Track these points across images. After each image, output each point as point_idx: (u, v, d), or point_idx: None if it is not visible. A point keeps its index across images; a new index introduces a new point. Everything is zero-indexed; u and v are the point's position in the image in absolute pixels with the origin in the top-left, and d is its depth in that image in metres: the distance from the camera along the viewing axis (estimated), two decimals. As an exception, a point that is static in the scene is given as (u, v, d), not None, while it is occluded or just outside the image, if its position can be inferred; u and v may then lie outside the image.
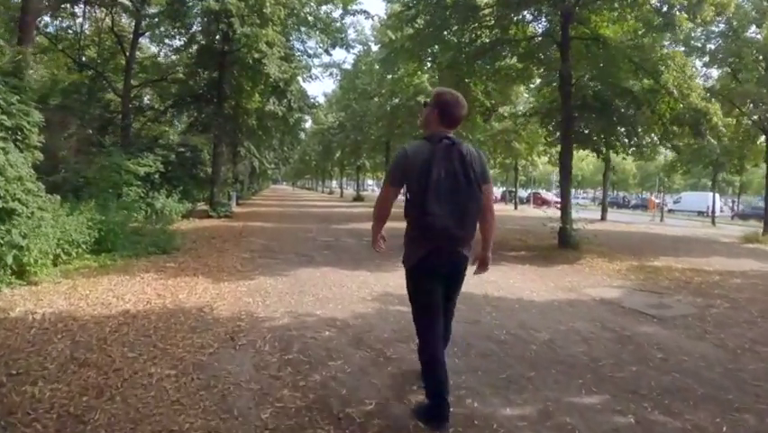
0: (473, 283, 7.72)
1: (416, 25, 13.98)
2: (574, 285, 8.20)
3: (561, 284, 8.25)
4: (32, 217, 7.41)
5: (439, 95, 3.36)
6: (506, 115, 23.27)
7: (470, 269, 3.66)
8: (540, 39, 13.81)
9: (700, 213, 41.91)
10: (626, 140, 13.63)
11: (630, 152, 14.87)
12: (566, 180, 12.84)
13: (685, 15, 11.35)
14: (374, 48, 30.84)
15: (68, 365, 4.00)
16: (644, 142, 14.41)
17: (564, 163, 12.82)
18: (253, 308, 5.87)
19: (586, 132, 13.22)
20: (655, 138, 15.36)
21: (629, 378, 4.24)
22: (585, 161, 61.61)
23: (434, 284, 3.31)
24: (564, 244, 12.37)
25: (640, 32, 13.30)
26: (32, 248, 6.85)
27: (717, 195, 39.94)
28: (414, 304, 3.43)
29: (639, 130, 13.27)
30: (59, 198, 8.68)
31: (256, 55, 15.84)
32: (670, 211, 37.65)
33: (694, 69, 16.15)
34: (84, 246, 8.48)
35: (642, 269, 10.16)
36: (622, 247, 13.71)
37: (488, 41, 13.67)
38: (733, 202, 50.66)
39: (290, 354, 4.38)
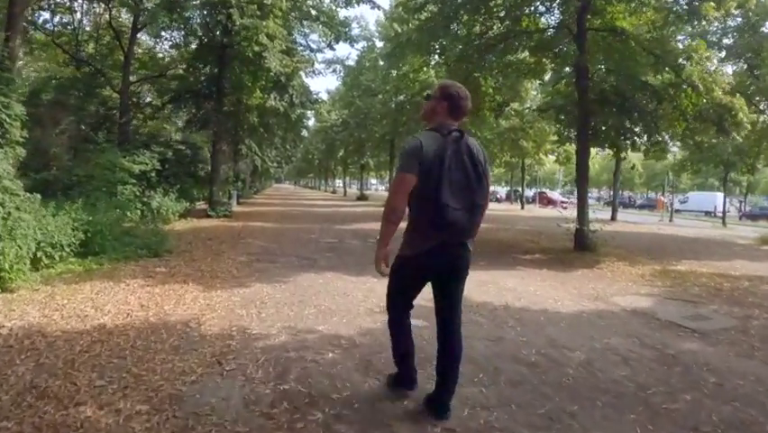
0: (492, 293, 7.17)
1: (425, 15, 13.31)
2: (599, 293, 7.55)
3: (585, 292, 7.58)
4: (9, 218, 6.80)
5: (447, 87, 3.33)
6: (513, 112, 22.60)
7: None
8: (554, 30, 13.11)
9: (708, 213, 41.35)
10: (647, 136, 12.88)
11: (652, 149, 14.13)
12: (583, 179, 12.15)
13: (712, 4, 10.65)
14: (378, 44, 30.34)
15: (26, 396, 3.36)
16: (662, 139, 13.66)
17: (581, 161, 12.15)
18: (247, 322, 5.17)
19: (604, 128, 12.46)
20: (668, 135, 14.78)
21: (686, 410, 3.61)
22: (592, 159, 60.74)
23: (425, 279, 3.36)
24: (581, 247, 11.74)
25: (658, 24, 12.72)
26: (7, 252, 6.21)
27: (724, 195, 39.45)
28: (395, 289, 3.49)
29: (660, 126, 12.54)
30: (39, 196, 8.01)
31: (256, 48, 15.15)
32: (677, 211, 36.92)
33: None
34: (68, 249, 7.83)
35: (666, 274, 9.55)
36: (639, 249, 13.10)
37: (498, 32, 13.02)
38: (740, 202, 49.93)
39: (287, 384, 3.68)
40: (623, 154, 13.88)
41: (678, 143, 20.14)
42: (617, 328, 5.63)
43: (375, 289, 6.76)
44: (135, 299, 5.90)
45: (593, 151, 29.76)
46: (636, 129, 12.35)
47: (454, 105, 3.25)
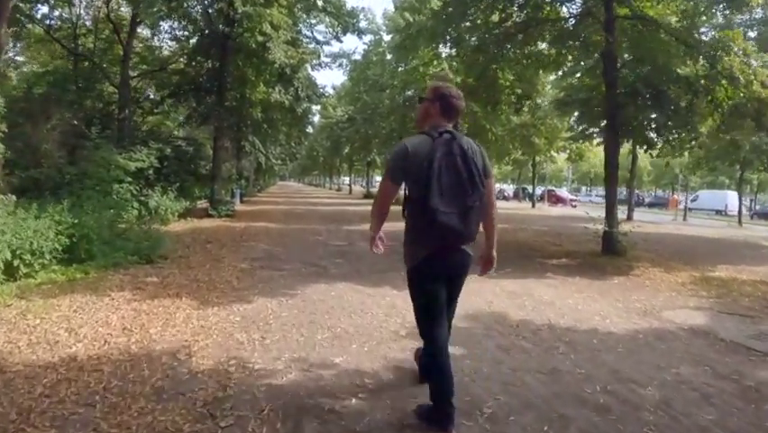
0: (529, 308, 6.26)
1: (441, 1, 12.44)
2: (646, 306, 6.68)
3: (630, 305, 6.72)
4: (-23, 223, 6.02)
5: (438, 87, 3.29)
6: (525, 109, 21.69)
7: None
8: (578, 18, 12.23)
9: (718, 212, 40.49)
10: (681, 132, 11.96)
11: (687, 145, 13.23)
12: (612, 178, 11.24)
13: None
14: (386, 37, 29.48)
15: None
16: (697, 135, 12.71)
17: (610, 158, 11.24)
18: (248, 352, 4.28)
19: (635, 123, 11.55)
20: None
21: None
22: (600, 158, 59.78)
23: (437, 284, 3.17)
24: (609, 251, 10.88)
25: (688, 14, 11.91)
26: (-27, 261, 5.41)
27: (736, 194, 38.58)
28: (416, 305, 3.29)
29: (696, 120, 11.62)
30: (14, 197, 7.19)
31: (260, 38, 14.31)
32: (688, 210, 36.09)
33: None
34: (49, 256, 7.01)
35: (707, 281, 8.74)
36: (668, 253, 12.31)
37: (519, 20, 12.15)
38: (751, 201, 49.03)
39: (300, 449, 2.82)
40: (651, 151, 12.90)
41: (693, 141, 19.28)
42: (682, 353, 4.80)
43: (396, 303, 5.91)
44: (118, 319, 5.03)
45: (600, 147, 28.97)
46: (670, 124, 11.40)
47: (447, 105, 3.18)
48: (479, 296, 6.65)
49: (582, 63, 14.22)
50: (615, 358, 4.52)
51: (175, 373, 3.77)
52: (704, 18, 12.72)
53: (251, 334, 4.74)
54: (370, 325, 5.17)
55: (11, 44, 18.53)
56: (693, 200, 45.08)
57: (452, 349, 4.42)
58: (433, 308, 3.19)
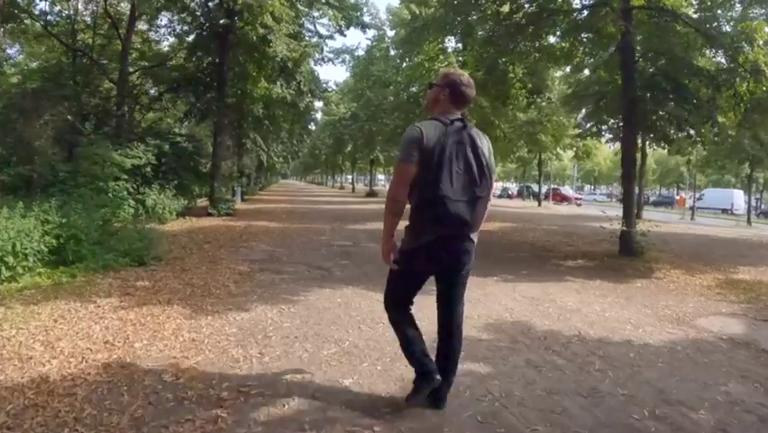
0: (554, 316, 5.68)
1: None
2: (677, 313, 6.17)
3: (659, 311, 6.21)
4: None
5: (449, 74, 3.22)
6: (536, 104, 21.17)
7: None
8: (592, 9, 11.72)
9: (724, 210, 39.98)
10: (702, 127, 11.42)
11: (712, 140, 12.71)
12: (629, 175, 10.71)
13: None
14: (389, 33, 28.98)
15: None
16: (709, 130, 12.17)
17: (627, 155, 10.74)
18: (244, 371, 3.73)
19: (654, 117, 11.04)
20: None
21: None
22: (604, 155, 59.44)
23: (426, 274, 3.20)
24: (627, 251, 10.38)
25: (707, 4, 11.45)
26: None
27: (742, 192, 38.04)
28: (396, 285, 3.29)
29: (717, 115, 11.09)
30: (-7, 196, 6.70)
31: (261, 31, 13.82)
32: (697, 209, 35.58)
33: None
34: (32, 259, 6.52)
35: (733, 285, 8.29)
36: (686, 253, 11.83)
37: (530, 11, 11.64)
38: (757, 200, 48.47)
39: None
40: (670, 147, 12.39)
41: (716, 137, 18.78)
42: (726, 368, 4.32)
43: (409, 312, 5.41)
44: (100, 330, 4.52)
45: (606, 145, 28.42)
46: (691, 119, 10.86)
47: (457, 93, 3.11)
48: (497, 302, 6.16)
49: (592, 59, 13.74)
50: (657, 375, 4.02)
51: (158, 399, 3.23)
52: (719, 12, 12.28)
53: (248, 349, 4.20)
54: (382, 338, 4.59)
55: (6, 38, 18.09)
56: (699, 199, 44.63)
57: (476, 366, 3.96)
58: (409, 292, 3.27)
